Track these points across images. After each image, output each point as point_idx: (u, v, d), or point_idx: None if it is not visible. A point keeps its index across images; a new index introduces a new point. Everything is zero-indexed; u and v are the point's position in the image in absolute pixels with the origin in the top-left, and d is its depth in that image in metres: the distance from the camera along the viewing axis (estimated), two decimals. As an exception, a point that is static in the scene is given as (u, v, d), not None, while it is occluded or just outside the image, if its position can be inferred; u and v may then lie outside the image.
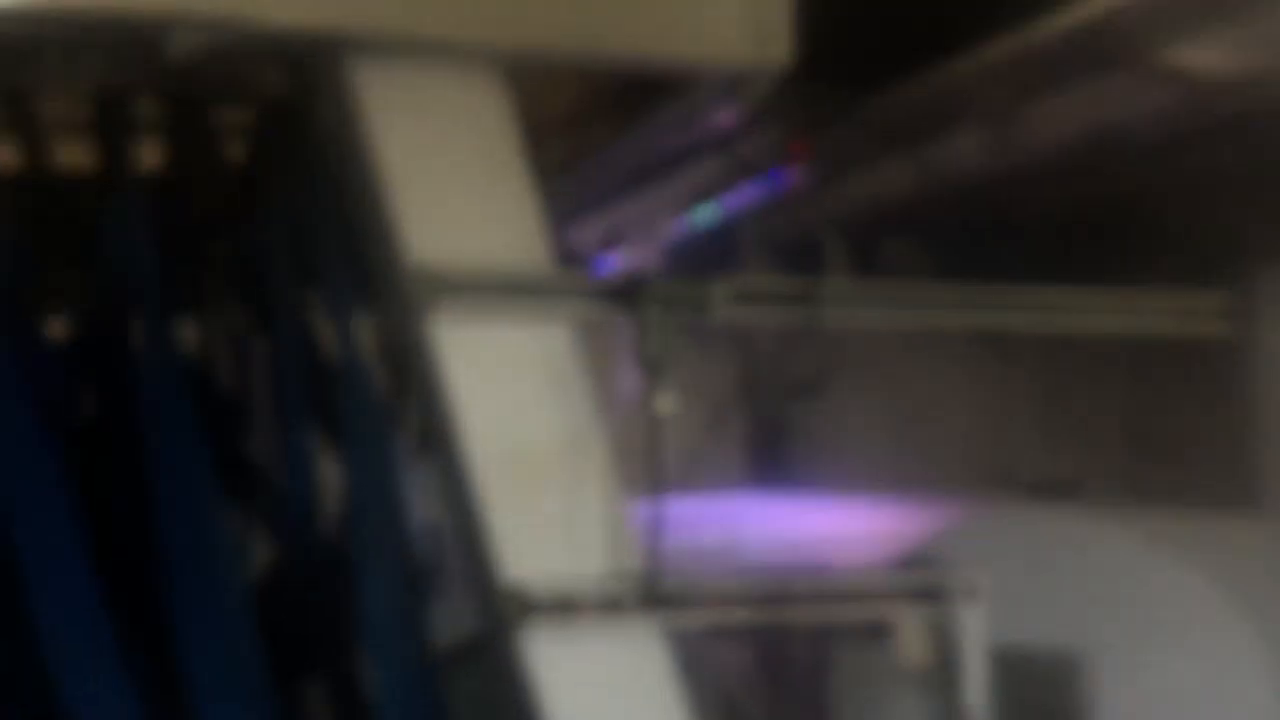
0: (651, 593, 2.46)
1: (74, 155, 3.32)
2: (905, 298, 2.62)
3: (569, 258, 4.98)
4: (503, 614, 2.43)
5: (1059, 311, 2.80)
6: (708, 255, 5.47)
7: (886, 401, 7.16)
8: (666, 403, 2.46)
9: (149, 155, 2.92)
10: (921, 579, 2.62)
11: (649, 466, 2.46)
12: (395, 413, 2.71)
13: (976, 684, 2.61)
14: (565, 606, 2.44)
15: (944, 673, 2.63)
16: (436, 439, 2.50)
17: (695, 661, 3.09)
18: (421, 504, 2.66)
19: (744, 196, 4.55)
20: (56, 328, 2.96)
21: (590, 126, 3.13)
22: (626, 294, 2.46)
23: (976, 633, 2.61)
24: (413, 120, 2.46)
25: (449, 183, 2.47)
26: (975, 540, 2.93)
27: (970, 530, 3.08)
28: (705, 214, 4.77)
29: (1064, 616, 3.00)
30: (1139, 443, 7.52)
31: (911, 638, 2.64)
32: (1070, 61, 4.66)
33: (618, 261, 5.04)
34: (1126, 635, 2.95)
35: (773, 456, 6.41)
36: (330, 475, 2.73)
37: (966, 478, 7.24)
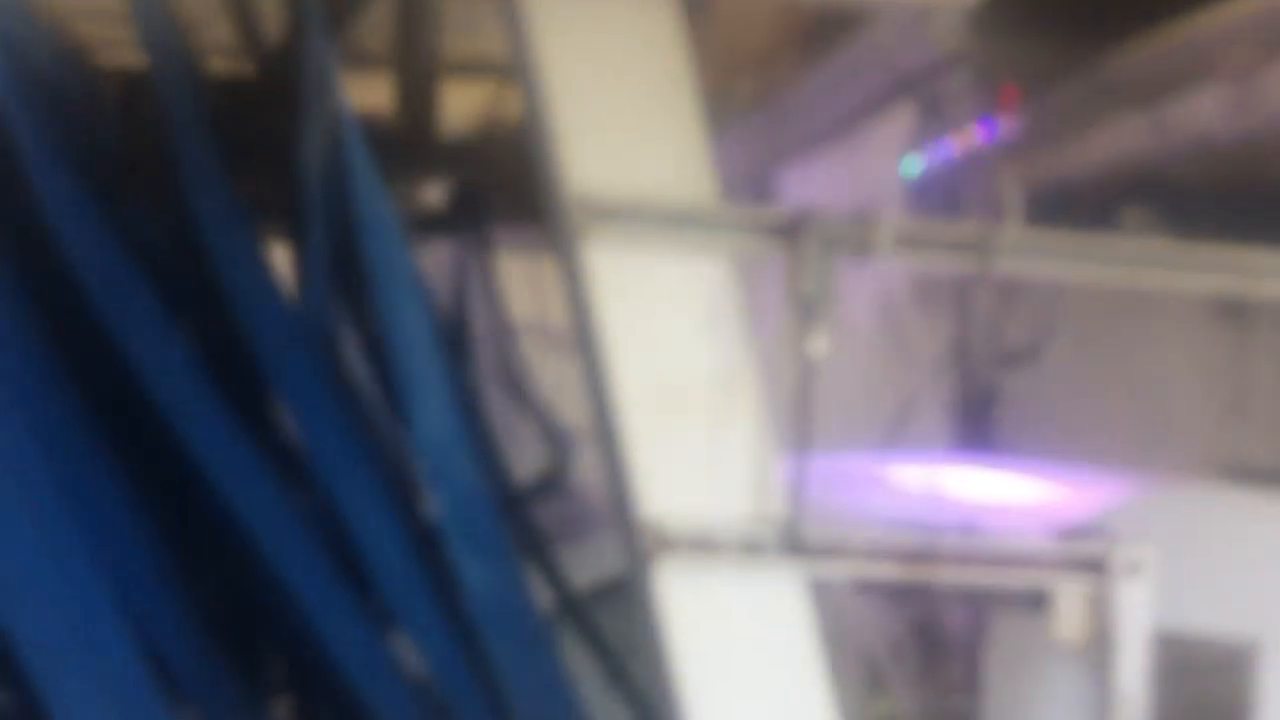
0: (792, 539, 2.40)
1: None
2: (1087, 250, 2.47)
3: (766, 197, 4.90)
4: (640, 548, 2.40)
5: (1260, 275, 2.60)
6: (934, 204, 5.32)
7: (1105, 373, 6.89)
8: (819, 345, 2.38)
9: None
10: (1080, 549, 2.48)
11: (799, 410, 2.39)
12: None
13: (1134, 665, 2.46)
14: (704, 545, 2.40)
15: (1101, 651, 2.49)
16: (589, 369, 2.47)
17: (843, 619, 3.03)
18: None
19: (947, 149, 4.39)
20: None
21: (784, 63, 3.05)
22: (787, 230, 2.39)
23: (1137, 611, 2.45)
24: (582, 42, 2.42)
25: (615, 108, 2.43)
26: (1153, 517, 2.76)
27: (1149, 506, 2.90)
28: (910, 165, 4.63)
29: (1242, 604, 2.81)
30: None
31: (1069, 611, 2.51)
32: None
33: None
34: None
35: (981, 423, 6.22)
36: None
37: (1190, 461, 6.92)
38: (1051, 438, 6.37)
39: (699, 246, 2.41)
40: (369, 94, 4.32)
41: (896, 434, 6.56)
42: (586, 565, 3.60)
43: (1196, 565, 2.67)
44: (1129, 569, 2.46)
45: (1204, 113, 5.03)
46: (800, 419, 2.39)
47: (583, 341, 2.46)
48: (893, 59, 2.57)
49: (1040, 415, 6.34)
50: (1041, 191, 5.78)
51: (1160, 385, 7.07)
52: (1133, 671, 2.46)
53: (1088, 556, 2.48)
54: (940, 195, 4.97)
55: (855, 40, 2.65)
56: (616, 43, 2.45)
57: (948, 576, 2.47)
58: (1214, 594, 2.77)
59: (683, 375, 2.43)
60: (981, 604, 2.87)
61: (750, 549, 2.41)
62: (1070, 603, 2.51)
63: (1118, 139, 5.41)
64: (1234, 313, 7.23)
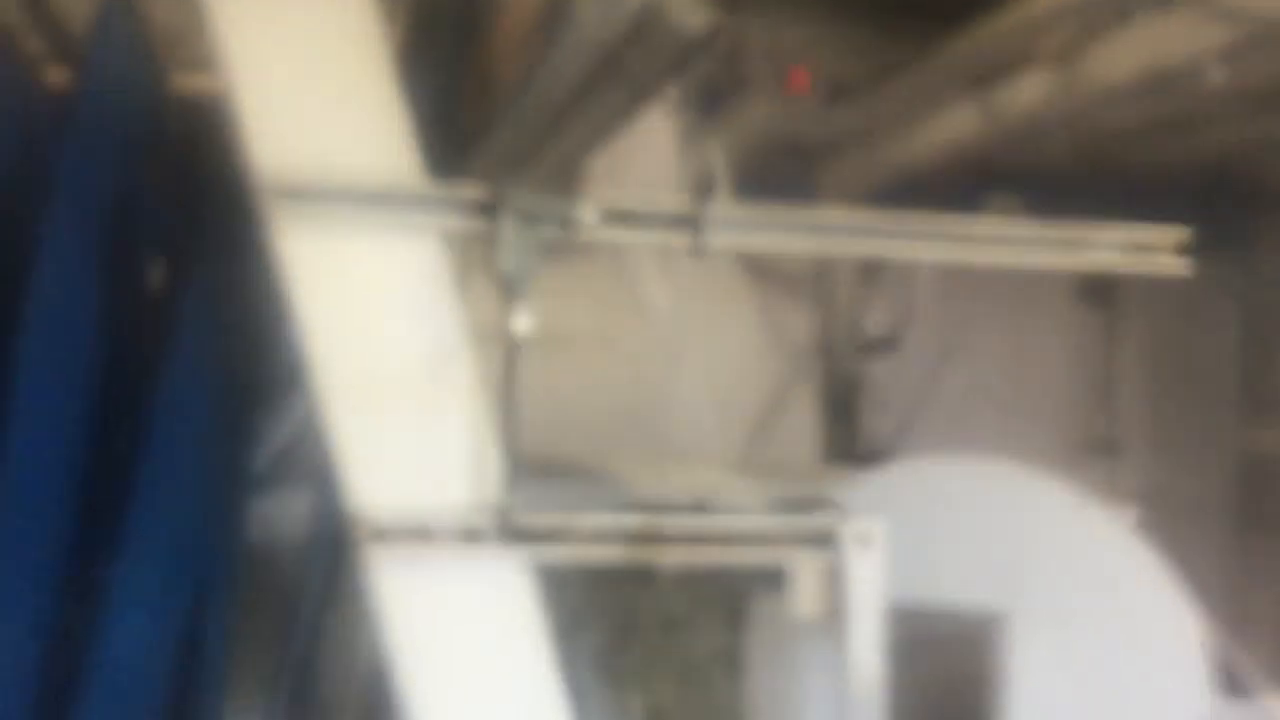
0: (510, 525, 2.29)
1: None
2: (794, 222, 2.37)
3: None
4: (354, 539, 2.29)
5: (1004, 244, 2.52)
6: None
7: (969, 357, 6.84)
8: (522, 323, 2.27)
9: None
10: (810, 524, 2.38)
11: (503, 391, 2.28)
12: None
13: (868, 637, 2.36)
14: (420, 535, 2.29)
15: (840, 624, 2.39)
16: (300, 359, 2.35)
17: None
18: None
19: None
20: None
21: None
22: (486, 207, 2.28)
23: (870, 584, 2.36)
24: (271, 25, 2.31)
25: (307, 90, 2.32)
26: (897, 491, 2.67)
27: (893, 481, 2.81)
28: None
29: (987, 577, 2.72)
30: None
31: (806, 587, 2.41)
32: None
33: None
34: (1044, 595, 2.66)
35: (845, 410, 6.15)
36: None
37: (1057, 440, 6.88)
38: (917, 422, 6.32)
39: (397, 226, 2.30)
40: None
41: (769, 423, 6.49)
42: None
43: (940, 538, 2.58)
44: (859, 542, 2.36)
45: (1030, 96, 4.98)
46: (506, 402, 2.28)
47: (292, 330, 2.34)
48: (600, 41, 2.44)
49: (905, 401, 6.27)
50: (884, 181, 5.72)
51: (1026, 367, 7.04)
52: (867, 643, 2.36)
53: (818, 531, 2.38)
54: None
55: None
56: (309, 25, 2.34)
57: (676, 557, 2.37)
58: (958, 568, 2.68)
59: (391, 362, 2.32)
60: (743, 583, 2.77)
61: (468, 537, 2.30)
62: (807, 578, 2.41)
63: (951, 125, 5.36)
64: (1100, 295, 7.21)
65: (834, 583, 2.38)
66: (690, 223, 2.31)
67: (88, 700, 2.56)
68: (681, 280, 6.73)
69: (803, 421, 6.48)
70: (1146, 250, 2.49)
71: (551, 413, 5.87)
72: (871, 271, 6.36)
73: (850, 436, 6.06)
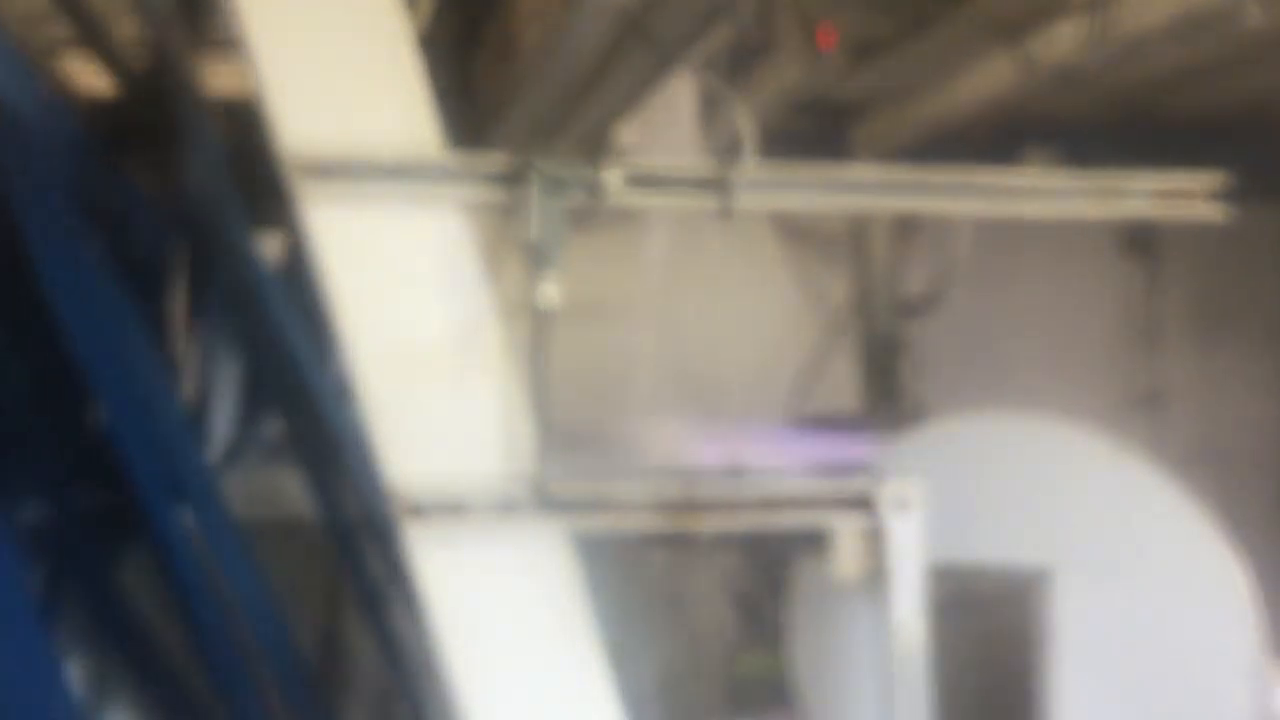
0: (545, 495, 2.27)
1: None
2: (822, 180, 2.33)
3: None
4: (392, 514, 2.28)
5: (1038, 196, 2.47)
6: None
7: (1012, 314, 6.78)
8: (550, 294, 2.25)
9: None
10: (848, 487, 2.35)
11: (532, 361, 2.25)
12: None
13: (910, 598, 2.33)
14: (456, 508, 2.27)
15: (881, 586, 2.36)
16: (333, 335, 2.34)
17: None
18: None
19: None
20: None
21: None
22: (510, 177, 2.26)
23: (910, 545, 2.32)
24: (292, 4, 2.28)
25: (330, 67, 2.29)
26: (937, 452, 2.63)
27: (934, 441, 2.77)
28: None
29: (1031, 535, 2.68)
30: None
31: (846, 550, 2.38)
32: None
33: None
34: (1090, 551, 2.62)
35: (886, 373, 6.10)
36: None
37: (1105, 393, 6.80)
38: (960, 383, 6.27)
39: (421, 198, 2.28)
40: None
41: (807, 386, 6.45)
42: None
43: (982, 498, 2.54)
44: (898, 504, 2.33)
45: (1064, 45, 4.89)
46: (535, 372, 2.25)
47: (325, 307, 2.32)
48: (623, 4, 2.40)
49: (948, 361, 6.22)
50: (918, 138, 5.64)
51: (1069, 322, 6.96)
52: (909, 604, 2.33)
53: (856, 494, 2.35)
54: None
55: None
56: (331, 3, 2.31)
57: (713, 524, 2.35)
58: (1001, 526, 2.65)
59: (420, 334, 2.30)
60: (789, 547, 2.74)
61: (503, 509, 2.28)
62: (846, 541, 2.38)
63: (984, 79, 5.27)
64: (1142, 246, 7.11)
65: (874, 546, 2.35)
66: (718, 185, 2.27)
67: None
68: (718, 245, 6.70)
69: (844, 382, 6.45)
70: (1182, 196, 2.43)
71: (597, 380, 5.88)
72: (909, 231, 6.30)
73: (891, 396, 6.01)
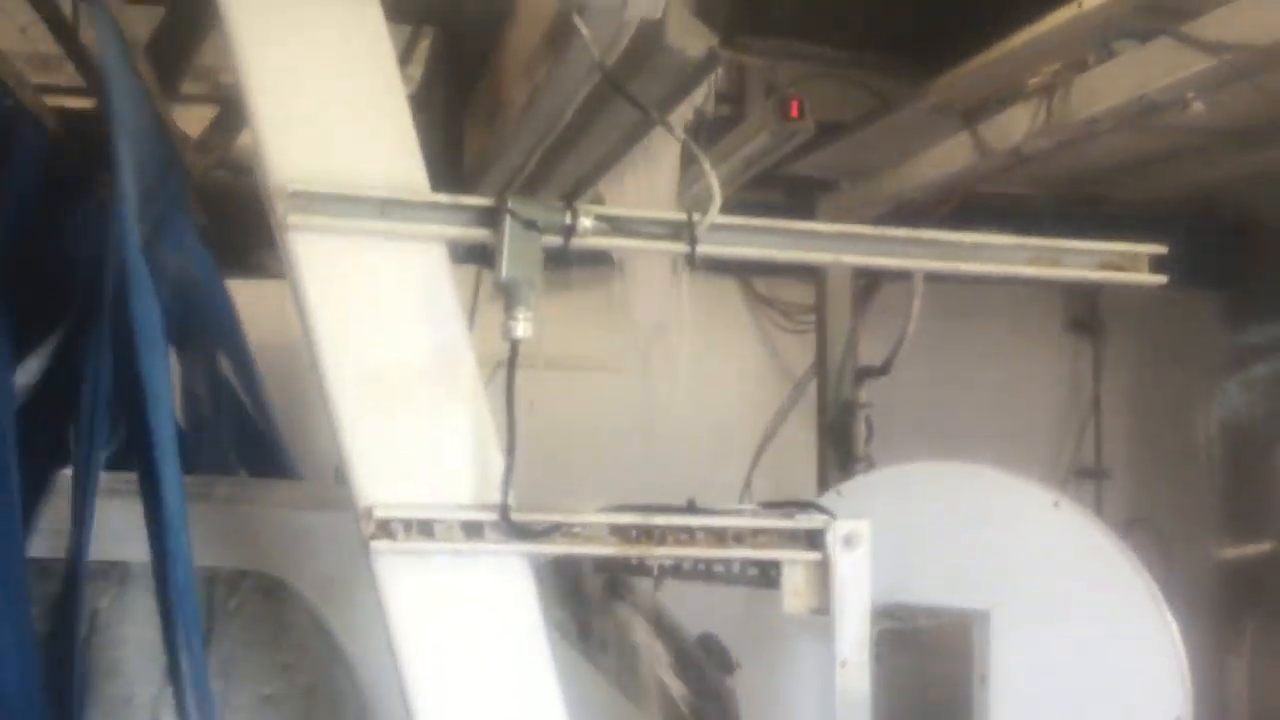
0: (509, 523, 2.29)
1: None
2: (785, 232, 2.38)
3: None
4: (360, 535, 2.29)
5: (986, 255, 2.52)
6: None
7: (960, 383, 6.86)
8: (520, 328, 2.28)
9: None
10: (799, 524, 2.38)
11: (505, 395, 2.28)
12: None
13: (855, 633, 2.35)
14: (424, 532, 2.29)
15: (827, 621, 2.38)
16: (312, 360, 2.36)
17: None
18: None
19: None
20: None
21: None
22: (488, 216, 2.30)
23: (856, 583, 2.35)
24: (286, 36, 2.33)
25: (320, 100, 2.33)
26: (882, 493, 2.67)
27: (879, 483, 2.81)
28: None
29: (972, 576, 2.71)
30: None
31: (794, 584, 2.40)
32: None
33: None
34: (1024, 593, 2.66)
35: (842, 433, 6.16)
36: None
37: (1048, 464, 6.87)
38: (912, 449, 6.32)
39: (404, 234, 2.31)
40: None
41: (766, 444, 6.51)
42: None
43: (923, 539, 2.58)
44: (846, 542, 2.36)
45: (1018, 129, 5.01)
46: (507, 403, 2.28)
47: (304, 334, 2.34)
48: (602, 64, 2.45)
49: (899, 428, 6.27)
50: (878, 216, 5.73)
51: (1017, 395, 7.05)
52: (854, 640, 2.35)
53: (806, 531, 2.38)
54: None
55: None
56: (320, 36, 2.35)
57: (668, 554, 2.37)
58: (941, 567, 2.68)
59: (398, 364, 2.32)
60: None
61: (469, 535, 2.30)
62: (795, 577, 2.41)
63: (943, 159, 5.38)
64: (1087, 326, 7.22)
65: (822, 581, 2.38)
66: (684, 230, 2.32)
67: None
68: (686, 309, 6.74)
69: (800, 445, 6.50)
70: (1123, 265, 2.50)
71: (559, 437, 5.89)
72: (866, 301, 6.39)
73: (845, 459, 6.06)
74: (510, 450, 2.29)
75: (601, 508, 2.35)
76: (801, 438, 6.58)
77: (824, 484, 6.00)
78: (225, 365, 4.11)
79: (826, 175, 5.98)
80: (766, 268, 6.32)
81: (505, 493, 2.28)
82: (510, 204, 2.26)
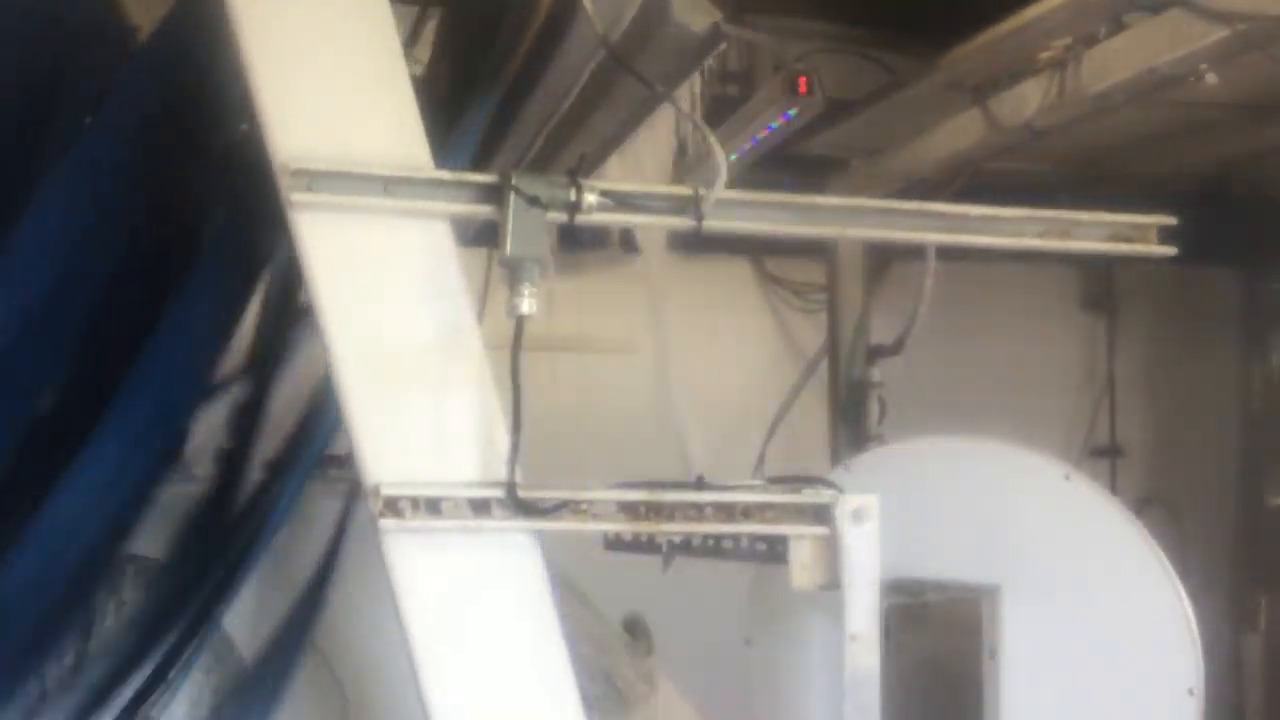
0: (516, 501, 2.28)
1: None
2: (792, 206, 2.36)
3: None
4: (369, 514, 2.28)
5: (985, 225, 2.50)
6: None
7: (974, 362, 6.82)
8: (524, 304, 2.27)
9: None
10: (807, 499, 2.36)
11: (511, 372, 2.27)
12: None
13: (864, 609, 2.33)
14: (431, 510, 2.28)
15: (837, 596, 2.37)
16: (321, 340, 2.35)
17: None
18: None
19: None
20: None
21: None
22: (493, 192, 2.28)
23: (865, 558, 2.33)
24: (286, 13, 2.31)
25: (323, 78, 2.32)
26: (891, 468, 2.65)
27: (887, 458, 2.79)
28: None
29: (982, 552, 2.69)
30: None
31: (802, 560, 2.39)
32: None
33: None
34: (1034, 568, 2.63)
35: (854, 412, 6.14)
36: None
37: (1061, 443, 6.83)
38: (924, 427, 6.29)
39: (408, 211, 2.30)
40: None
41: (778, 424, 6.49)
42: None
43: (934, 515, 2.56)
44: (855, 517, 2.34)
45: (1030, 104, 4.97)
46: (513, 380, 2.27)
47: (312, 313, 2.34)
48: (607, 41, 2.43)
49: (913, 406, 6.24)
50: (892, 191, 5.70)
51: (1031, 373, 7.01)
52: (863, 615, 2.33)
53: (815, 506, 2.36)
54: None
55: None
56: (324, 13, 2.33)
57: (676, 530, 2.36)
58: (952, 542, 2.66)
59: (403, 342, 2.31)
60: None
61: (477, 512, 2.29)
62: (803, 551, 2.39)
63: (954, 136, 5.34)
64: (1101, 302, 7.17)
65: (830, 556, 2.36)
66: (690, 205, 2.30)
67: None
68: (700, 291, 6.74)
69: (813, 425, 6.47)
70: (1133, 234, 2.47)
71: (574, 418, 5.88)
72: (878, 279, 6.35)
73: (858, 439, 6.04)
74: (516, 427, 2.27)
75: (609, 482, 2.34)
76: (814, 417, 6.55)
77: (836, 464, 5.97)
78: None
79: (837, 154, 5.94)
80: (777, 247, 6.29)
81: (512, 470, 2.28)
82: (514, 180, 2.24)
